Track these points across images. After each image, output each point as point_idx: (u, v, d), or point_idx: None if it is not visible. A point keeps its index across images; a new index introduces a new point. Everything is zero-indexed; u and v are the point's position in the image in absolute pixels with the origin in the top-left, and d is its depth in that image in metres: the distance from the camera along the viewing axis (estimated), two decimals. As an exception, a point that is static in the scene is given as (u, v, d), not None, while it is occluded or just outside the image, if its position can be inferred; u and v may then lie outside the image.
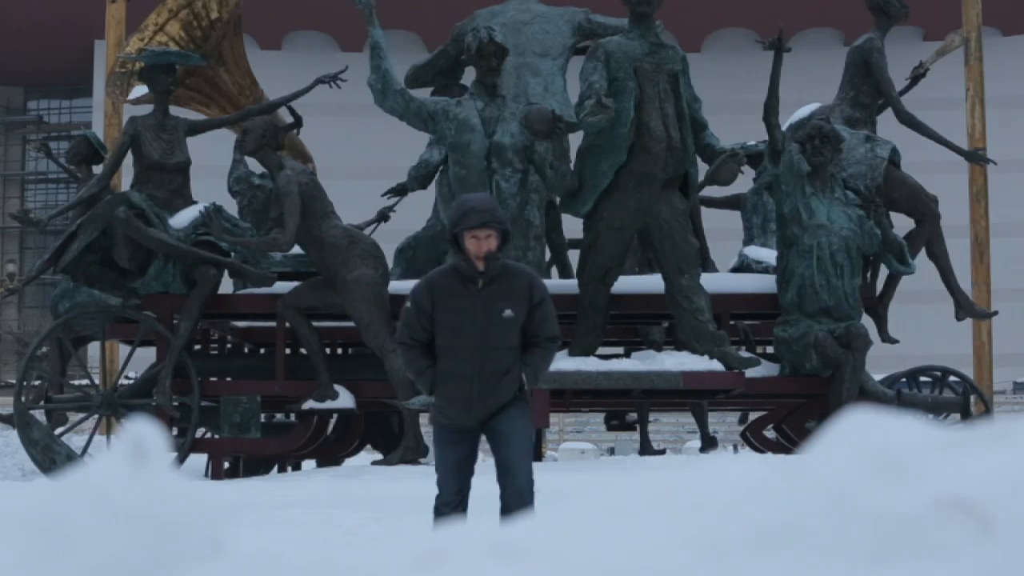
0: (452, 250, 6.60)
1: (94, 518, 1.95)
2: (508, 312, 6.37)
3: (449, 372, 6.40)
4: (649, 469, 11.10)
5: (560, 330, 6.67)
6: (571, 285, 12.59)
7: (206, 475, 14.54)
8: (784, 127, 13.30)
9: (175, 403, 13.03)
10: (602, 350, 12.92)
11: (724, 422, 33.29)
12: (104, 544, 1.93)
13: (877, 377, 13.40)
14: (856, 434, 2.02)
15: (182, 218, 13.08)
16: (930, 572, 1.79)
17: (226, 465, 15.02)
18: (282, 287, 13.08)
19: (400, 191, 14.43)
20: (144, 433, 2.06)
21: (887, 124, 14.14)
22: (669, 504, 2.02)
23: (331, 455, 15.18)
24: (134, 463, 2.01)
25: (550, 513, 2.08)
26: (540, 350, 6.52)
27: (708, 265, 13.75)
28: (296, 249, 12.99)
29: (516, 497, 6.22)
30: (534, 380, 6.52)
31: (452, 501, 6.46)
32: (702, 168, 12.20)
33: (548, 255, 13.94)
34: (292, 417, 15.21)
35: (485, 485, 6.35)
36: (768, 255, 14.25)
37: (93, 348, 19.68)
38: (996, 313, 15.89)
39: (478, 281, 6.38)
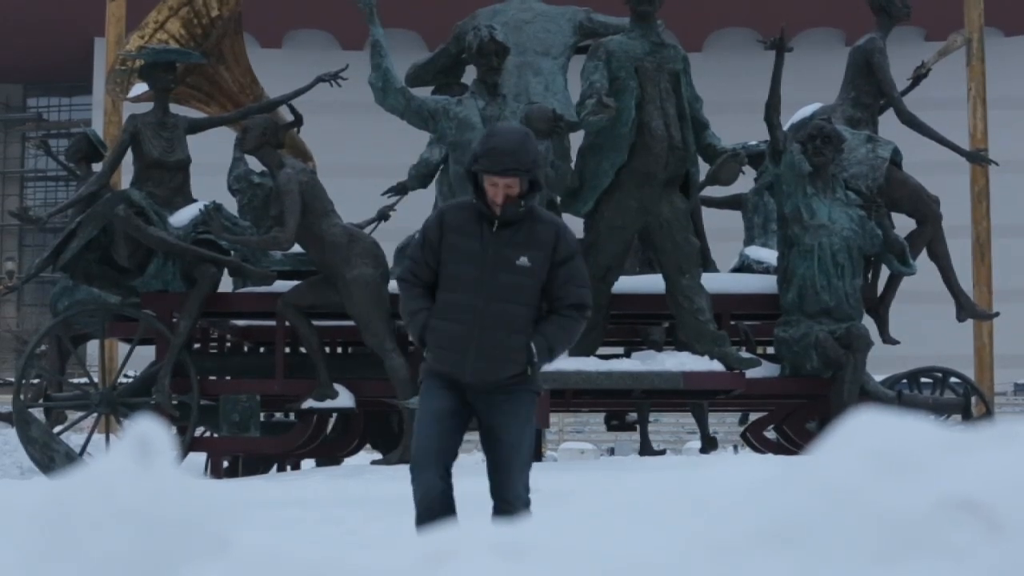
0: (470, 186, 5.58)
1: (98, 516, 1.94)
2: (523, 260, 5.41)
3: (444, 321, 5.50)
4: (650, 469, 11.09)
5: (587, 307, 5.60)
6: (572, 284, 12.56)
7: (205, 474, 14.54)
8: (785, 127, 13.30)
9: (174, 402, 13.02)
10: (602, 350, 12.91)
11: (724, 423, 33.28)
12: (108, 542, 1.92)
13: (878, 378, 13.39)
14: (861, 434, 2.01)
15: (182, 216, 13.07)
16: (936, 572, 1.78)
17: (225, 464, 15.02)
18: (282, 286, 13.07)
19: (400, 190, 14.41)
20: (149, 431, 2.05)
21: (889, 124, 14.13)
22: (673, 503, 2.01)
23: (330, 454, 15.18)
24: (139, 461, 2.00)
25: (552, 512, 2.07)
26: (559, 318, 5.49)
27: (709, 265, 13.74)
28: (296, 248, 12.98)
29: (507, 515, 5.44)
30: (546, 353, 5.50)
31: (427, 463, 5.46)
32: (703, 168, 12.20)
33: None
34: (291, 416, 15.21)
35: (481, 484, 6.18)
36: (769, 255, 14.25)
37: (92, 346, 19.68)
38: (997, 314, 15.89)
39: (493, 221, 5.45)
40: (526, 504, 5.61)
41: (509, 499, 5.56)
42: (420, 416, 5.65)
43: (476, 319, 5.45)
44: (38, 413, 14.15)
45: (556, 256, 5.46)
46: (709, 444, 16.80)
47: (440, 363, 5.56)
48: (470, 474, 5.95)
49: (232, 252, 13.22)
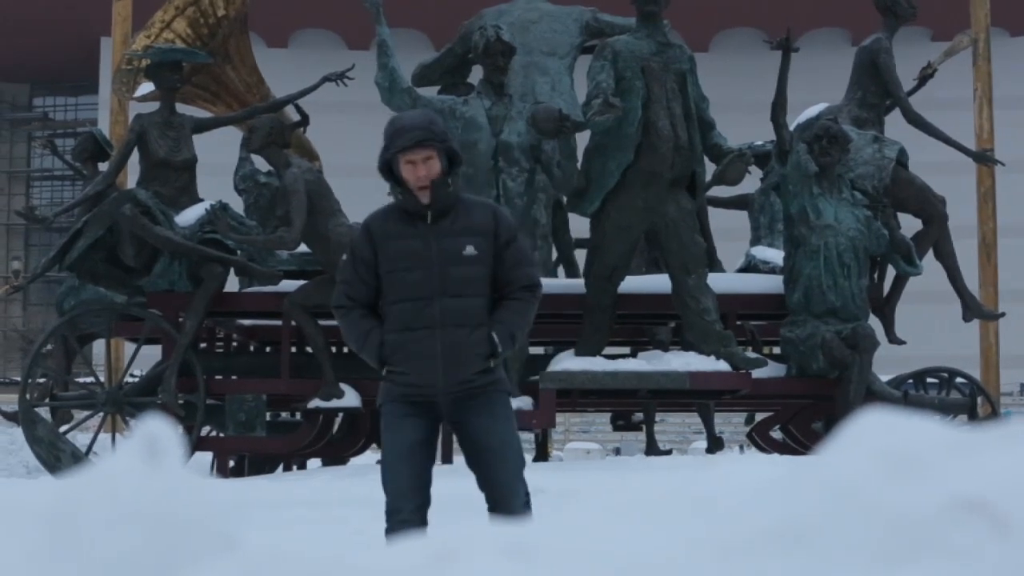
0: (390, 185, 5.34)
1: (104, 515, 1.94)
2: (470, 248, 5.19)
3: (401, 332, 5.22)
4: (656, 469, 11.08)
5: (538, 286, 5.39)
6: (578, 284, 12.58)
7: (211, 473, 14.55)
8: (792, 127, 13.28)
9: (180, 401, 13.03)
10: (608, 350, 12.90)
11: (730, 423, 33.24)
12: (114, 541, 1.91)
13: (884, 378, 13.37)
14: (868, 434, 2.00)
15: (188, 216, 13.07)
16: (945, 573, 1.77)
17: (231, 463, 15.02)
18: (288, 285, 13.07)
19: (406, 190, 14.39)
20: (158, 430, 2.05)
21: (895, 124, 14.11)
22: (679, 504, 2.00)
23: (336, 454, 15.18)
24: (148, 460, 1.99)
25: (560, 513, 2.07)
26: (515, 302, 5.27)
27: (715, 265, 13.73)
28: (302, 247, 12.99)
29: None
30: (509, 341, 5.26)
31: (406, 508, 5.20)
32: (709, 168, 12.18)
33: (555, 254, 13.93)
34: (297, 416, 15.21)
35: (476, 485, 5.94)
36: (775, 255, 14.23)
37: (98, 346, 19.69)
38: (1003, 314, 15.87)
39: (426, 215, 5.21)
40: (529, 511, 5.42)
41: (511, 517, 5.27)
42: (388, 452, 5.31)
43: (435, 321, 5.18)
44: (44, 412, 14.15)
45: (499, 240, 5.26)
46: (715, 444, 16.79)
47: (410, 376, 5.26)
48: (470, 475, 5.79)
49: (238, 252, 13.23)
